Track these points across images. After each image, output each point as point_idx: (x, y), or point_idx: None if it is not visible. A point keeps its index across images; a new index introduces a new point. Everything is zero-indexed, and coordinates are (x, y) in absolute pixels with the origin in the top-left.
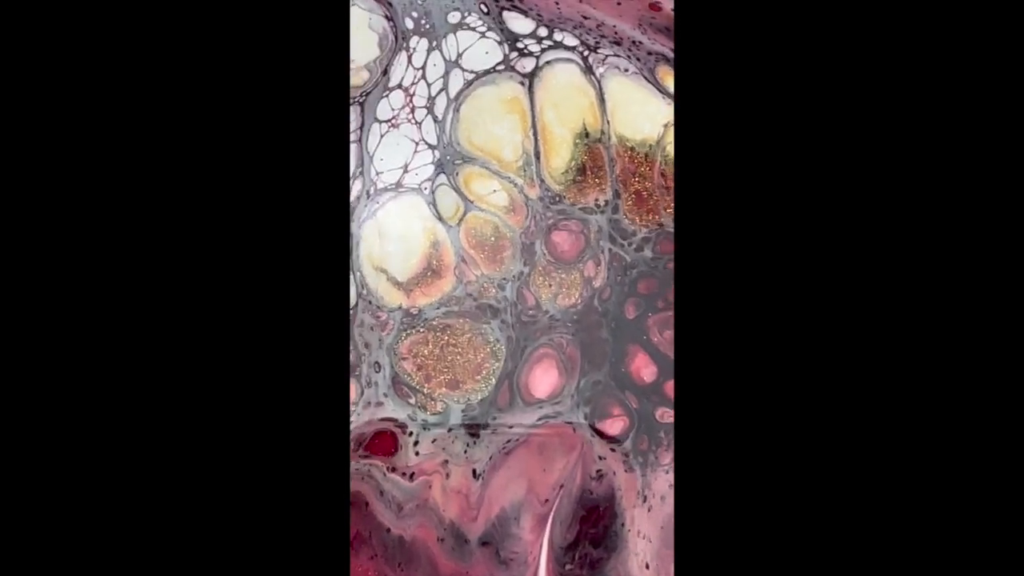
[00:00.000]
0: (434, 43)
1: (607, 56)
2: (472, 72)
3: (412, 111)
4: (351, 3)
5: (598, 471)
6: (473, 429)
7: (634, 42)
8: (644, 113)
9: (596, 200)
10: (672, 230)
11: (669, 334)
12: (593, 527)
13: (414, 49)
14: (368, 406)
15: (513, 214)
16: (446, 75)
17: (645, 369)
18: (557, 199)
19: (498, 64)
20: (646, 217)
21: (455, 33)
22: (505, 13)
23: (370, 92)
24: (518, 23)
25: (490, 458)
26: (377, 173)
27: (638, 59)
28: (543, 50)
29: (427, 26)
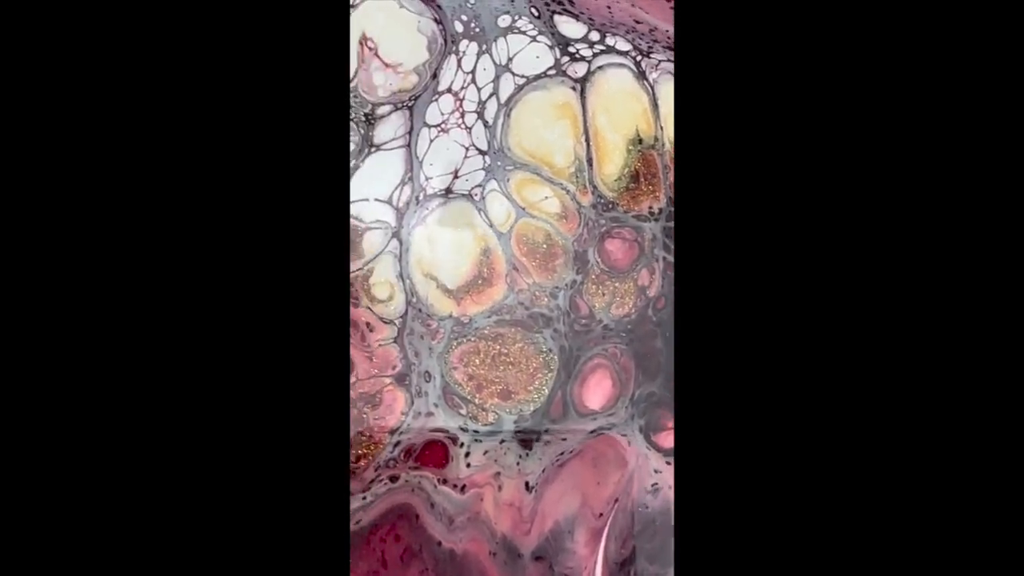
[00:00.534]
0: (484, 47)
1: (660, 61)
2: (523, 76)
3: (462, 116)
4: (399, 6)
5: (653, 484)
6: (527, 437)
7: None
8: None
9: (650, 207)
10: None
11: None
12: (649, 542)
13: (464, 53)
14: (419, 416)
15: (565, 221)
16: (496, 79)
17: None
18: (610, 206)
19: (549, 69)
20: None
21: (505, 37)
22: (556, 17)
23: (419, 96)
24: (569, 27)
25: (543, 470)
26: (426, 178)
27: None
28: (595, 55)
29: (477, 30)
